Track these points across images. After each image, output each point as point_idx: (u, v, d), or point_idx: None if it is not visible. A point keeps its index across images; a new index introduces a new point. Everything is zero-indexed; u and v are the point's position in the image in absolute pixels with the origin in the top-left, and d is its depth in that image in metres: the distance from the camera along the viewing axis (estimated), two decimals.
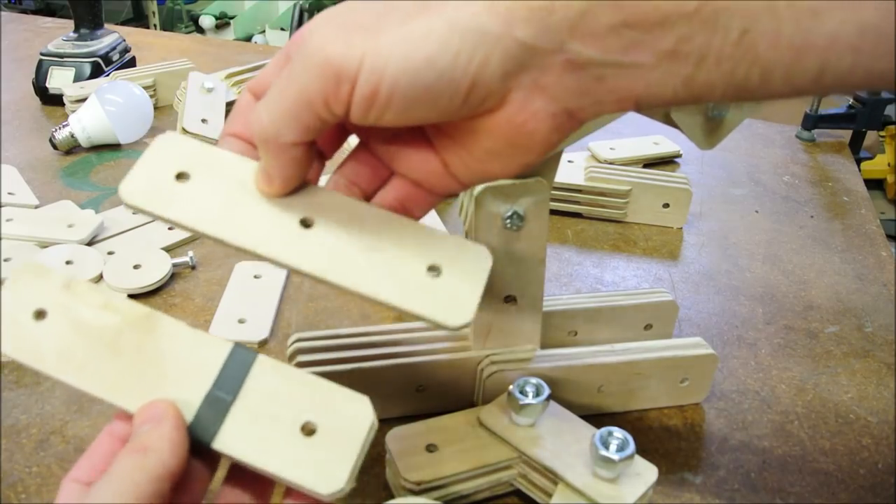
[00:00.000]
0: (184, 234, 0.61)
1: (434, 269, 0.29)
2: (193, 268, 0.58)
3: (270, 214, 0.30)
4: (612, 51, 0.25)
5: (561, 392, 0.43)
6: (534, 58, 0.25)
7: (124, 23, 2.55)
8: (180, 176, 0.30)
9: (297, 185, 0.30)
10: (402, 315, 0.50)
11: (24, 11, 2.52)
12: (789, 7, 0.23)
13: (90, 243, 0.58)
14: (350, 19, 0.26)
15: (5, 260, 0.53)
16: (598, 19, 0.24)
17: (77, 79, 0.84)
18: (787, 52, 0.23)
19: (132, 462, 0.26)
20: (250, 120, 0.28)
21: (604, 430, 0.36)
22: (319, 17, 0.27)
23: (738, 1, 0.23)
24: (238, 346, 0.29)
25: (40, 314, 0.29)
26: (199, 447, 0.28)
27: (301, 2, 2.78)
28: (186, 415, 0.27)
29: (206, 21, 3.01)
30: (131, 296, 0.53)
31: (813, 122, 0.88)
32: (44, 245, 0.56)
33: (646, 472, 0.36)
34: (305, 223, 0.30)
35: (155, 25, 2.87)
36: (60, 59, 0.85)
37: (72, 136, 0.74)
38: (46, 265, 0.30)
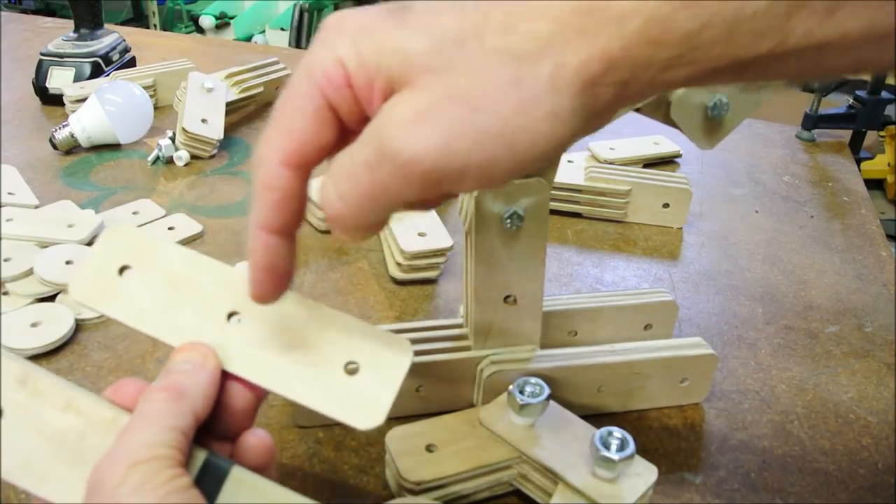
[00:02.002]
0: (185, 235, 0.61)
1: (352, 367, 0.29)
2: None
3: (201, 310, 0.30)
4: (683, 84, 0.26)
5: (561, 392, 0.43)
6: (612, 107, 0.26)
7: (124, 23, 2.55)
8: (122, 270, 0.31)
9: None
10: (402, 315, 0.50)
11: (24, 11, 2.52)
12: (861, 35, 0.23)
13: (90, 243, 0.58)
14: (442, 121, 0.24)
15: (5, 260, 0.53)
16: (676, 74, 0.25)
17: (77, 79, 0.84)
18: (853, 63, 0.24)
19: (166, 403, 0.27)
20: (329, 216, 0.27)
21: (604, 430, 0.36)
22: (400, 115, 0.25)
23: (811, 35, 0.23)
24: (212, 456, 0.28)
25: None
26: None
27: (301, 2, 2.78)
28: None
29: (206, 21, 3.01)
30: None
31: (813, 122, 0.88)
32: (44, 245, 0.56)
33: (646, 472, 0.36)
34: (233, 318, 0.30)
35: (155, 25, 2.88)
36: (60, 59, 0.85)
37: (72, 136, 0.74)
38: (2, 357, 0.28)
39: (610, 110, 0.27)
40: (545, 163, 0.28)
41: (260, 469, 0.28)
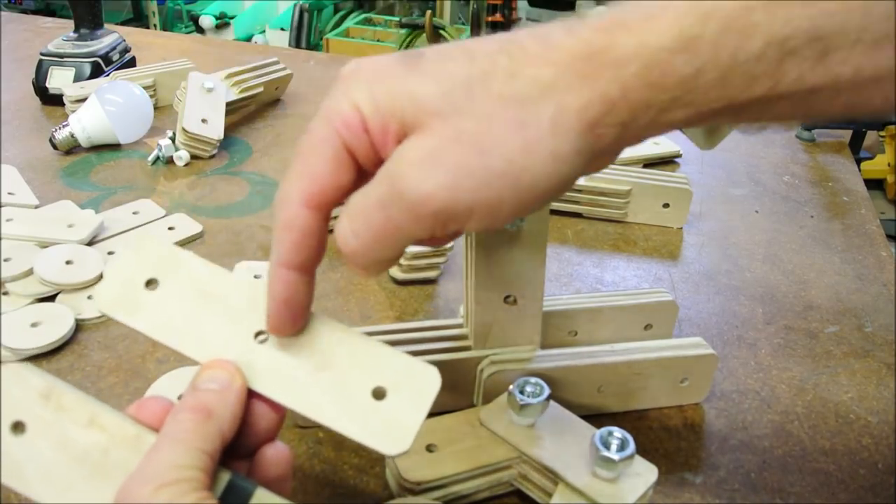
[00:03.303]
0: (185, 235, 0.61)
1: (379, 393, 0.29)
2: None
3: (228, 327, 0.30)
4: (679, 126, 0.27)
5: (561, 392, 0.43)
6: (613, 148, 0.28)
7: (124, 23, 2.55)
8: (150, 283, 0.31)
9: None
10: (402, 315, 0.50)
11: (24, 11, 2.52)
12: (851, 80, 0.24)
13: (90, 243, 0.58)
14: (450, 161, 0.25)
15: (5, 260, 0.53)
16: (673, 116, 0.26)
17: (77, 79, 0.84)
18: (842, 108, 0.25)
19: (194, 424, 0.27)
20: (345, 252, 0.28)
21: (604, 430, 0.36)
22: (411, 156, 0.26)
23: (802, 79, 0.24)
24: (236, 477, 0.28)
25: (19, 427, 0.27)
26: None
27: (301, 2, 2.78)
28: None
29: (206, 21, 3.01)
30: None
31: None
32: (44, 245, 0.56)
33: (646, 472, 0.36)
34: (260, 337, 0.30)
35: (155, 25, 2.88)
36: (60, 59, 0.85)
37: (72, 136, 0.74)
38: (26, 371, 0.28)
39: (612, 150, 0.28)
40: (548, 202, 0.29)
41: (278, 481, 0.29)
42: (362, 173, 0.29)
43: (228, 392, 0.28)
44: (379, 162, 0.28)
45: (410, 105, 0.26)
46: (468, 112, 0.26)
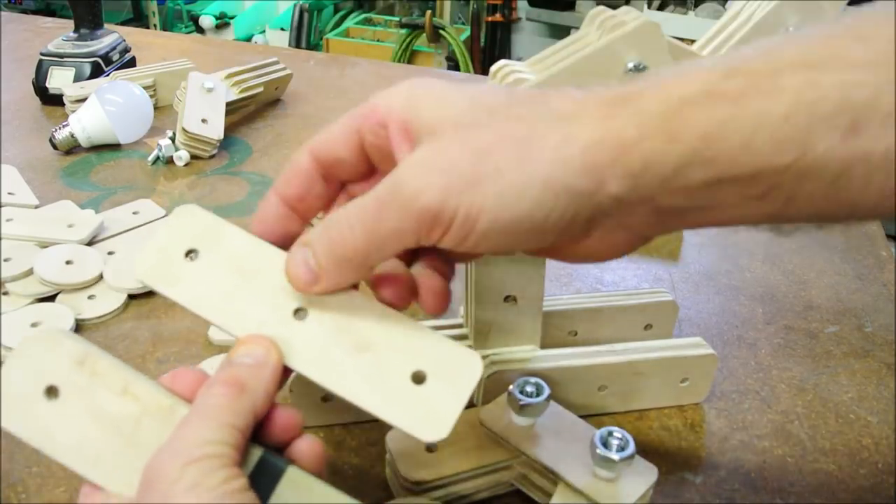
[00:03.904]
0: None
1: (419, 376, 0.28)
2: None
3: (267, 302, 0.30)
4: (699, 199, 0.25)
5: (561, 392, 0.43)
6: (621, 207, 0.26)
7: (124, 23, 2.55)
8: (189, 253, 0.30)
9: None
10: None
11: (24, 11, 2.52)
12: (884, 157, 0.23)
13: (90, 243, 0.58)
14: (448, 161, 0.26)
15: (5, 260, 0.53)
16: (692, 177, 0.25)
17: (77, 79, 0.84)
18: (877, 194, 0.24)
19: (226, 399, 0.26)
20: (334, 239, 0.28)
21: (604, 430, 0.36)
22: (416, 158, 0.27)
23: (833, 153, 0.23)
24: (267, 454, 0.27)
25: (52, 391, 0.27)
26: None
27: (301, 2, 2.78)
28: None
29: (206, 21, 3.01)
30: (132, 296, 0.53)
31: None
32: (44, 245, 0.56)
33: (646, 472, 0.36)
34: (299, 314, 0.29)
35: (155, 25, 2.87)
36: (60, 59, 0.85)
37: (72, 136, 0.74)
38: (62, 336, 0.28)
39: (617, 213, 0.26)
40: (524, 238, 0.27)
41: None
42: (371, 166, 0.31)
43: (264, 367, 0.28)
44: (389, 160, 0.29)
45: (437, 112, 0.27)
46: (483, 126, 0.26)
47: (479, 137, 0.26)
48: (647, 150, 0.25)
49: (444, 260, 0.32)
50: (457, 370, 0.28)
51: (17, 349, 0.27)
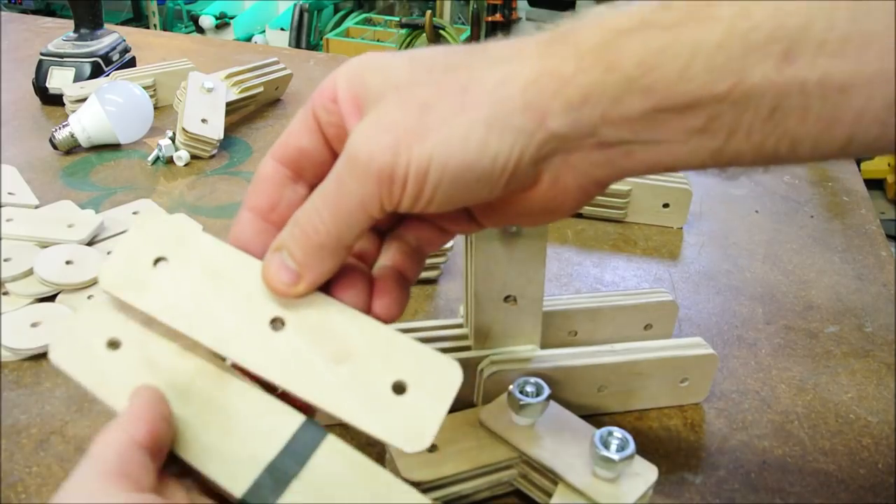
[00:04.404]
0: None
1: (400, 386, 0.28)
2: None
3: (241, 312, 0.29)
4: (641, 131, 0.25)
5: (561, 392, 0.43)
6: (565, 143, 0.26)
7: (124, 23, 2.55)
8: (158, 261, 0.29)
9: None
10: (402, 315, 0.49)
11: (24, 11, 2.52)
12: (818, 84, 0.23)
13: (90, 243, 0.58)
14: (392, 120, 0.26)
15: (5, 260, 0.53)
16: (630, 106, 0.25)
17: (77, 79, 0.84)
18: (815, 125, 0.24)
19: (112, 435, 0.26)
20: (305, 230, 0.28)
21: (604, 430, 0.36)
22: (364, 124, 0.27)
23: (768, 80, 0.23)
24: (309, 421, 0.28)
25: (114, 344, 0.28)
26: None
27: (301, 2, 2.78)
28: (244, 479, 0.26)
29: (206, 21, 3.01)
30: None
31: None
32: (44, 245, 0.56)
33: (646, 472, 0.36)
34: (275, 324, 0.29)
35: (155, 25, 2.88)
36: (60, 59, 0.85)
37: (72, 136, 0.74)
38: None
39: (562, 151, 0.26)
40: (477, 186, 0.27)
41: None
42: (331, 148, 0.31)
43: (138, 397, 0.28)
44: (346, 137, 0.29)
45: (380, 78, 0.28)
46: (424, 82, 0.27)
47: (421, 93, 0.26)
48: (585, 82, 0.25)
49: (411, 252, 0.32)
50: (437, 379, 0.28)
51: (90, 303, 0.29)
